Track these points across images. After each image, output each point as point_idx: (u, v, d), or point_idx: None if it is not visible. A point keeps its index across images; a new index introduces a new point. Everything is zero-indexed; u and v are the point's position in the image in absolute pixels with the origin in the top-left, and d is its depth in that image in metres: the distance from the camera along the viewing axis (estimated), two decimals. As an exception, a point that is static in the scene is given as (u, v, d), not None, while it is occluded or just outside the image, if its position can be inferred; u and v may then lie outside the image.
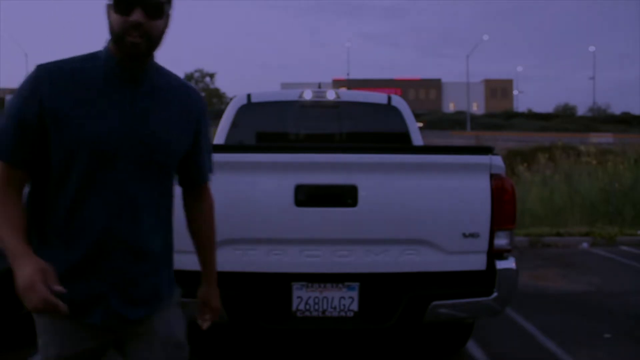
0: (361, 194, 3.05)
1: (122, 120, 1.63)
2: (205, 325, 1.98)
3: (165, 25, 1.67)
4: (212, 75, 75.37)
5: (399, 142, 4.81)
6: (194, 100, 1.81)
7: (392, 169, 3.13)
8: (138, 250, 1.68)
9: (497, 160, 3.17)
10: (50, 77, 1.60)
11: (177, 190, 1.87)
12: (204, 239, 1.93)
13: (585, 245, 8.54)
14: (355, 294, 3.14)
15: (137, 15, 1.57)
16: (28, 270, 1.48)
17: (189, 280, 2.08)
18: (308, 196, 3.02)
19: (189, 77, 73.10)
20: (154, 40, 1.63)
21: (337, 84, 65.07)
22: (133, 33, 1.58)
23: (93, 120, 1.60)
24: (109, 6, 1.61)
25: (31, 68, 1.67)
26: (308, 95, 4.69)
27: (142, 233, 1.68)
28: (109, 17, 1.61)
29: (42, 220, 1.65)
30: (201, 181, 1.90)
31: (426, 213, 3.11)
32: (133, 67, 1.65)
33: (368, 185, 3.07)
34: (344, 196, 3.05)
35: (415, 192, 3.11)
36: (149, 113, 1.67)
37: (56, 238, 1.64)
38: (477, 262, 3.18)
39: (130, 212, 1.65)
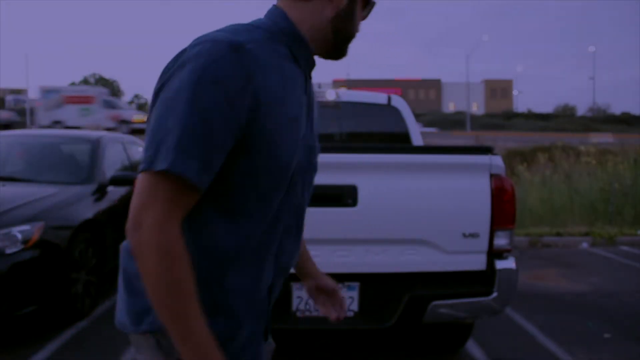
0: (361, 194, 3.05)
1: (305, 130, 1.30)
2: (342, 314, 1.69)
3: None
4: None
5: (399, 142, 4.81)
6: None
7: (392, 169, 3.13)
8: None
9: (497, 160, 3.17)
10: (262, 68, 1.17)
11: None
12: None
13: (585, 245, 8.53)
14: (355, 294, 3.14)
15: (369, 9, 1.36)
16: None
17: None
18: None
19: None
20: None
21: (337, 84, 65.06)
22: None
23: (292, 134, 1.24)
24: None
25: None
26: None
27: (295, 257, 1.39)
28: (334, 3, 1.29)
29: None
30: None
31: (426, 213, 3.11)
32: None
33: (368, 185, 3.07)
34: (344, 196, 3.05)
35: (415, 192, 3.11)
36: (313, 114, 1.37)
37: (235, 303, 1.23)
38: (477, 262, 3.18)
39: (298, 237, 1.36)
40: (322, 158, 3.07)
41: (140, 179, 1.10)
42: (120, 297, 1.28)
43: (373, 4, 1.36)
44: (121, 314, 1.27)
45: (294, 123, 1.22)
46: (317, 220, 3.06)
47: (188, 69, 1.11)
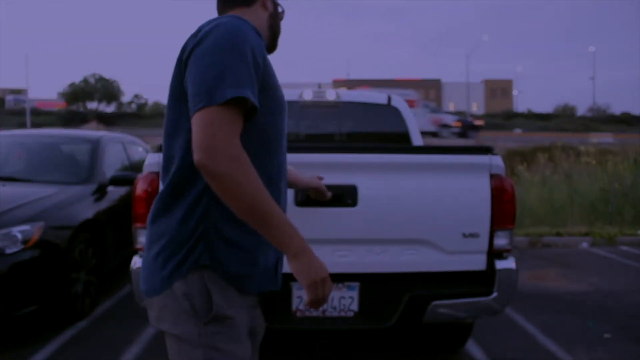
0: (361, 194, 3.05)
1: None
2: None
3: None
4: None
5: (398, 142, 4.81)
6: None
7: (392, 169, 3.13)
8: None
9: (497, 160, 3.17)
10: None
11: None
12: None
13: (585, 245, 8.53)
14: (355, 294, 3.14)
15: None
16: (323, 264, 1.50)
17: None
18: (308, 196, 3.02)
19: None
20: None
21: (337, 84, 65.05)
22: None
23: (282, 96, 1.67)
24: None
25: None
26: (308, 95, 4.69)
27: None
28: (267, 8, 1.76)
29: None
30: None
31: (426, 213, 3.11)
32: None
33: (368, 185, 3.07)
34: (344, 196, 3.05)
35: (415, 192, 3.11)
36: None
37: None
38: (477, 262, 3.18)
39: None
40: (322, 158, 3.10)
41: (202, 116, 1.37)
42: (149, 270, 1.55)
43: (283, 11, 1.83)
44: (149, 282, 1.54)
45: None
46: (317, 220, 3.06)
47: (216, 34, 1.45)
